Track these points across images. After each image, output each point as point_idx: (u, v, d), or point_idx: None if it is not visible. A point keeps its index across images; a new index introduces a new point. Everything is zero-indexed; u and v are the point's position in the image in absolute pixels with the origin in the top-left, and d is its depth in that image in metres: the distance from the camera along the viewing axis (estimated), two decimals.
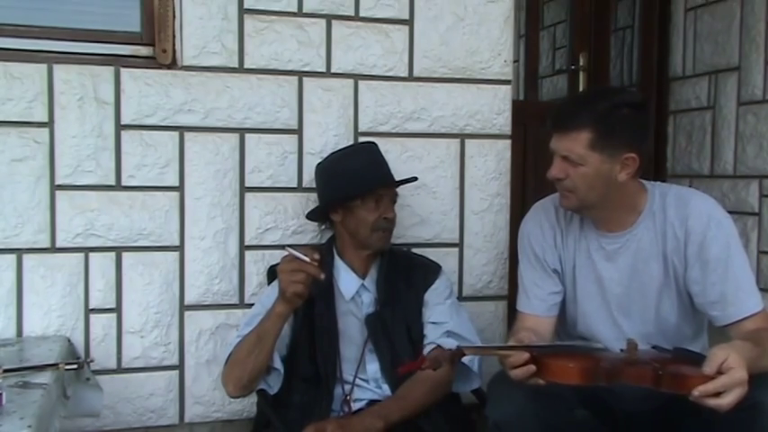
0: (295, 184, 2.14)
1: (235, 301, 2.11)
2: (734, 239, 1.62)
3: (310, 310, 1.80)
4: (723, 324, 1.60)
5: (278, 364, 1.73)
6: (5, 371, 1.54)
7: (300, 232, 2.14)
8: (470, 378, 1.79)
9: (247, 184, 2.11)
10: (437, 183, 2.25)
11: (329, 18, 2.14)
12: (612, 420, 1.67)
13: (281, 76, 2.11)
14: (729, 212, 1.69)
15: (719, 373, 1.26)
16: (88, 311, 2.01)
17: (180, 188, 2.06)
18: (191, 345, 2.09)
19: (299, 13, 2.11)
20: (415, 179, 1.98)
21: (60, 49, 2.00)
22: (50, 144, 1.96)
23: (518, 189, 2.75)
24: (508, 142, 2.32)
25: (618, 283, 1.69)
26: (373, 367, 1.83)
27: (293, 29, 2.11)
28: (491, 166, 2.30)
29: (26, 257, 1.97)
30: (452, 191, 2.27)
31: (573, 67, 3.45)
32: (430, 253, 2.12)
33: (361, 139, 2.15)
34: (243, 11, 2.07)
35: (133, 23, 2.07)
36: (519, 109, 2.46)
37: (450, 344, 1.72)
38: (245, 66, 2.08)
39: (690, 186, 2.58)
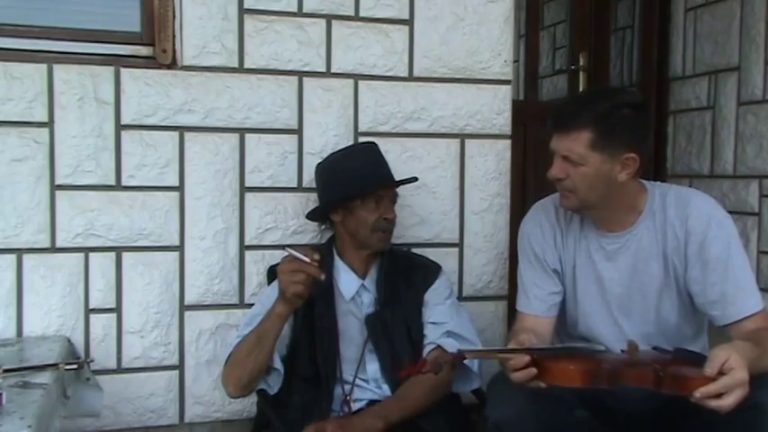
0: (295, 184, 2.14)
1: (235, 301, 2.11)
2: (734, 239, 1.62)
3: (310, 311, 1.80)
4: (723, 324, 1.60)
5: (278, 364, 1.73)
6: (5, 371, 1.54)
7: (300, 232, 2.14)
8: (470, 378, 1.79)
9: (247, 184, 2.11)
10: (437, 183, 2.25)
11: (329, 18, 2.14)
12: (613, 421, 1.67)
13: (281, 76, 2.11)
14: (729, 212, 1.70)
15: (720, 374, 1.26)
16: (88, 311, 2.01)
17: (180, 188, 2.06)
18: (191, 345, 2.09)
19: (299, 13, 2.11)
20: (415, 179, 1.97)
21: (60, 49, 2.00)
22: (50, 144, 1.96)
23: (518, 189, 2.75)
24: (508, 142, 2.32)
25: (618, 283, 1.69)
26: (373, 367, 1.83)
27: (293, 29, 2.11)
28: (491, 166, 2.30)
29: (26, 257, 1.96)
30: (452, 191, 2.27)
31: (573, 67, 3.45)
32: (430, 253, 2.12)
33: (361, 139, 2.15)
34: (243, 11, 2.07)
35: (133, 23, 2.07)
36: (519, 109, 2.46)
37: (450, 344, 1.73)
38: (245, 66, 2.08)
39: (690, 186, 2.58)
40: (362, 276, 1.88)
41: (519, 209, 2.32)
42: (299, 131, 2.14)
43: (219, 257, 2.09)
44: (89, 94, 1.98)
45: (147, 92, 2.02)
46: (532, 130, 3.11)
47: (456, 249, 2.29)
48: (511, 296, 2.22)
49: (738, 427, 1.32)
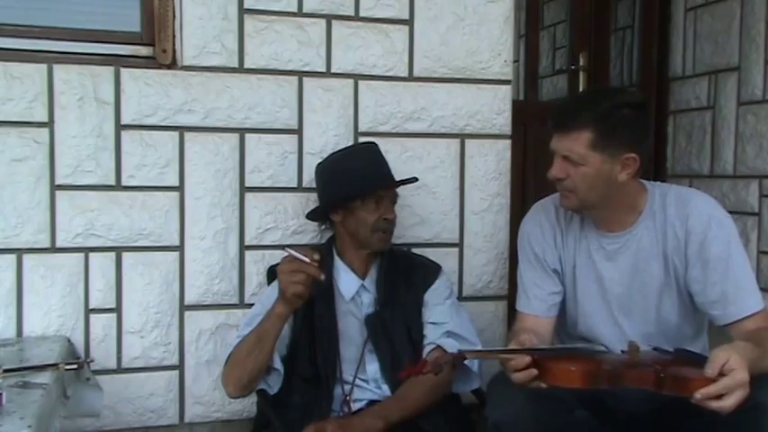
0: (295, 184, 2.14)
1: (235, 301, 2.11)
2: (734, 239, 1.62)
3: (310, 311, 1.80)
4: (724, 323, 1.60)
5: (278, 364, 1.73)
6: (5, 371, 1.54)
7: (300, 232, 2.14)
8: (470, 378, 1.79)
9: (247, 184, 2.11)
10: (437, 183, 2.25)
11: (329, 18, 2.14)
12: (613, 421, 1.67)
13: (281, 76, 2.11)
14: (729, 212, 1.69)
15: (721, 374, 1.26)
16: (88, 311, 2.01)
17: (180, 188, 2.06)
18: (191, 345, 2.09)
19: (299, 13, 2.11)
20: (415, 179, 1.97)
21: (60, 49, 2.00)
22: (50, 144, 1.96)
23: (518, 189, 2.75)
24: (508, 142, 2.32)
25: (618, 282, 1.69)
26: (373, 367, 1.83)
27: (293, 29, 2.11)
28: (491, 166, 2.30)
29: (26, 257, 1.96)
30: (452, 191, 2.27)
31: (573, 67, 3.45)
32: (430, 253, 2.12)
33: (361, 139, 2.15)
34: (243, 11, 2.07)
35: (133, 23, 2.07)
36: (519, 109, 2.46)
37: (450, 344, 1.73)
38: (245, 66, 2.08)
39: (690, 186, 2.58)
40: (362, 276, 1.88)
41: (519, 209, 2.32)
42: (299, 131, 2.14)
43: (219, 257, 2.09)
44: (89, 94, 1.98)
45: (147, 92, 2.02)
46: (532, 130, 3.11)
47: (456, 249, 2.29)
48: (511, 296, 2.22)
49: (739, 427, 1.32)
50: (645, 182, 1.71)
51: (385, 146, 2.04)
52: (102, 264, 2.01)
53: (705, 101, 3.16)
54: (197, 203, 2.07)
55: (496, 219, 2.32)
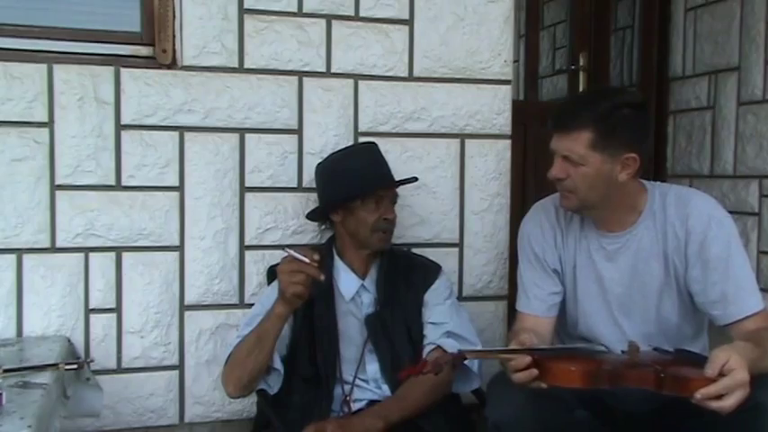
0: (295, 184, 2.14)
1: (235, 301, 2.11)
2: (734, 239, 1.62)
3: (310, 311, 1.80)
4: (724, 323, 1.60)
5: (278, 364, 1.73)
6: (5, 371, 1.54)
7: (300, 232, 2.14)
8: (470, 378, 1.79)
9: (247, 184, 2.11)
10: (437, 183, 2.25)
11: (329, 18, 2.14)
12: (613, 421, 1.67)
13: (281, 76, 2.11)
14: (729, 212, 1.69)
15: (721, 375, 1.26)
16: (88, 311, 2.01)
17: (180, 188, 2.06)
18: (191, 345, 2.09)
19: (299, 13, 2.11)
20: (415, 179, 1.97)
21: (60, 49, 2.00)
22: (50, 144, 1.96)
23: (518, 189, 2.75)
24: (508, 142, 2.32)
25: (618, 282, 1.69)
26: (373, 368, 1.83)
27: (293, 29, 2.11)
28: (491, 166, 2.30)
29: (26, 257, 1.96)
30: (452, 191, 2.27)
31: (573, 67, 3.45)
32: (430, 253, 2.12)
33: (361, 139, 2.15)
34: (243, 11, 2.07)
35: (133, 23, 2.07)
36: (519, 109, 2.46)
37: (450, 344, 1.73)
38: (245, 66, 2.08)
39: (690, 186, 2.58)
40: (362, 276, 1.88)
41: (519, 209, 2.32)
42: (299, 131, 2.14)
43: (219, 257, 2.09)
44: (89, 94, 1.98)
45: (147, 92, 2.02)
46: (532, 130, 3.11)
47: (456, 249, 2.29)
48: (511, 296, 2.22)
49: (739, 427, 1.32)
50: (645, 182, 1.71)
51: (385, 146, 2.04)
52: (102, 264, 2.01)
53: (705, 101, 3.16)
54: (197, 203, 2.07)
55: (496, 219, 2.32)
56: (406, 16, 2.20)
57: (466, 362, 1.67)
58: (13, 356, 1.74)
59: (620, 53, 3.68)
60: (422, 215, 2.24)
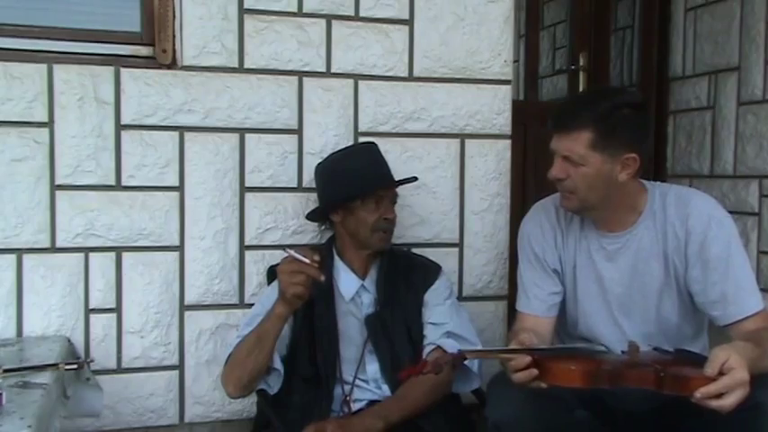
0: (295, 184, 2.14)
1: (235, 301, 2.11)
2: (734, 239, 1.62)
3: (310, 311, 1.80)
4: (724, 324, 1.60)
5: (278, 364, 1.73)
6: (5, 371, 1.54)
7: (300, 232, 2.14)
8: (470, 378, 1.79)
9: (247, 184, 2.11)
10: (437, 183, 2.25)
11: (329, 18, 2.14)
12: (613, 421, 1.67)
13: (281, 76, 2.11)
14: (729, 212, 1.69)
15: (721, 374, 1.26)
16: (88, 311, 2.01)
17: (180, 188, 2.06)
18: (191, 345, 2.09)
19: (299, 13, 2.11)
20: (415, 179, 1.97)
21: (60, 49, 2.00)
22: (50, 144, 1.96)
23: (518, 189, 2.75)
24: (508, 142, 2.32)
25: (619, 283, 1.69)
26: (373, 368, 1.83)
27: (293, 29, 2.11)
28: (491, 166, 2.30)
29: (26, 257, 1.96)
30: (452, 191, 2.27)
31: (573, 67, 3.45)
32: (430, 253, 2.12)
33: (361, 139, 2.15)
34: (243, 11, 2.07)
35: (133, 23, 2.07)
36: (519, 109, 2.46)
37: (450, 344, 1.73)
38: (245, 66, 2.08)
39: (690, 186, 2.58)
40: (362, 277, 1.88)
41: (519, 209, 2.31)
42: (299, 131, 2.14)
43: (219, 257, 2.09)
44: (89, 94, 1.98)
45: (147, 92, 2.02)
46: (532, 130, 3.11)
47: (456, 249, 2.29)
48: (511, 296, 2.22)
49: (738, 427, 1.32)
50: (645, 182, 1.71)
51: (385, 146, 2.04)
52: (102, 264, 2.01)
53: (705, 101, 3.16)
54: (197, 203, 2.07)
55: (496, 219, 2.32)
56: (406, 16, 2.20)
57: (466, 362, 1.67)
58: (13, 356, 1.74)
59: (620, 53, 3.68)
60: (422, 215, 2.24)
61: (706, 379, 1.26)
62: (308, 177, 2.11)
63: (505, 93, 2.30)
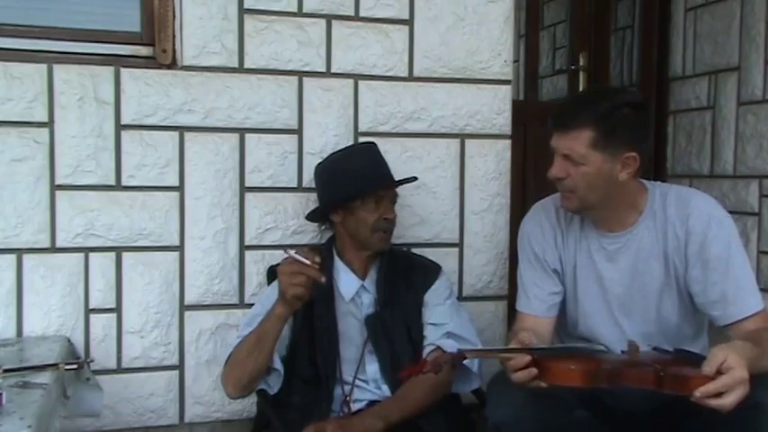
0: (295, 184, 2.14)
1: (235, 301, 2.11)
2: (735, 239, 1.62)
3: (310, 311, 1.80)
4: (724, 324, 1.60)
5: (278, 364, 1.73)
6: (5, 371, 1.54)
7: (300, 232, 2.14)
8: (470, 378, 1.79)
9: (247, 184, 2.11)
10: (437, 183, 2.25)
11: (329, 18, 2.14)
12: (612, 421, 1.67)
13: (281, 76, 2.11)
14: (729, 212, 1.69)
15: (719, 373, 1.26)
16: (88, 311, 2.01)
17: (180, 188, 2.06)
18: (191, 345, 2.09)
19: (299, 13, 2.11)
20: (414, 179, 1.97)
21: (60, 49, 2.00)
22: (50, 144, 1.96)
23: (518, 189, 2.75)
24: (508, 142, 2.32)
25: (619, 283, 1.69)
26: (373, 368, 1.83)
27: (293, 29, 2.11)
28: (491, 166, 2.30)
29: (26, 257, 1.96)
30: (452, 191, 2.27)
31: (573, 67, 3.45)
32: (430, 253, 2.12)
33: (361, 139, 2.15)
34: (243, 11, 2.07)
35: (133, 23, 2.07)
36: (519, 109, 2.46)
37: (450, 345, 1.73)
38: (245, 66, 2.08)
39: (690, 186, 2.58)
40: (362, 277, 1.88)
41: (519, 209, 2.31)
42: (299, 131, 2.14)
43: (219, 257, 2.09)
44: (89, 94, 1.98)
45: (147, 92, 2.02)
46: (532, 130, 3.11)
47: (456, 249, 2.29)
48: (511, 296, 2.22)
49: (738, 426, 1.32)
50: (645, 182, 1.71)
51: (385, 146, 2.04)
52: (102, 264, 2.01)
53: (705, 101, 3.16)
54: (197, 203, 2.07)
55: (496, 219, 2.32)
56: (406, 16, 2.20)
57: (466, 362, 1.67)
58: (13, 356, 1.74)
59: (620, 53, 3.68)
60: (422, 215, 2.24)
61: (705, 378, 1.26)
62: (308, 177, 2.11)
63: (505, 93, 2.30)
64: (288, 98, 2.12)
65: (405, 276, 1.89)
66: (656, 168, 3.36)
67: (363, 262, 1.88)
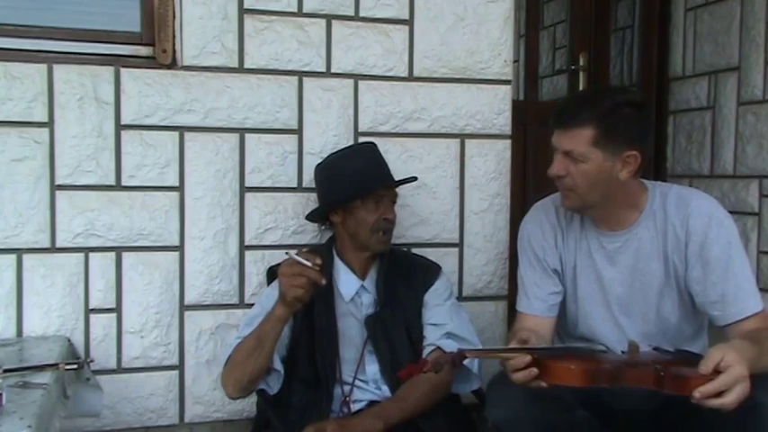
0: (295, 184, 2.14)
1: (235, 301, 2.11)
2: (735, 239, 1.62)
3: (310, 311, 1.80)
4: (723, 324, 1.60)
5: (278, 365, 1.73)
6: (5, 371, 1.54)
7: (300, 232, 2.14)
8: (470, 379, 1.79)
9: (247, 184, 2.11)
10: (437, 183, 2.25)
11: (329, 18, 2.14)
12: (612, 421, 1.67)
13: (281, 76, 2.11)
14: (729, 212, 1.69)
15: (718, 372, 1.26)
16: (88, 311, 2.01)
17: (180, 188, 2.06)
18: (191, 345, 2.09)
19: (299, 13, 2.11)
20: (414, 179, 1.97)
21: (60, 49, 2.00)
22: (50, 144, 1.96)
23: (518, 189, 2.75)
24: (508, 142, 2.32)
25: (619, 282, 1.69)
26: (373, 368, 1.83)
27: (293, 29, 2.11)
28: (491, 166, 2.30)
29: (26, 257, 1.96)
30: (452, 191, 2.27)
31: (573, 67, 3.45)
32: (430, 253, 2.12)
33: (361, 139, 2.15)
34: (243, 11, 2.07)
35: (133, 23, 2.07)
36: (519, 109, 2.46)
37: (450, 345, 1.73)
38: (245, 66, 2.08)
39: (690, 186, 2.58)
40: (362, 277, 1.88)
41: (519, 209, 2.31)
42: (299, 131, 2.14)
43: (219, 257, 2.09)
44: (89, 94, 1.98)
45: (147, 92, 2.02)
46: (532, 130, 3.11)
47: (456, 249, 2.29)
48: (511, 296, 2.22)
49: (738, 426, 1.32)
50: (646, 181, 1.71)
51: (385, 146, 2.04)
52: (102, 264, 2.01)
53: (705, 101, 3.16)
54: (197, 203, 2.07)
55: (496, 219, 2.32)
56: (406, 16, 2.20)
57: (466, 362, 1.66)
58: (13, 356, 1.74)
59: (620, 53, 3.68)
60: (422, 215, 2.24)
61: (706, 378, 1.26)
62: (308, 177, 2.11)
63: (505, 93, 2.30)
64: (288, 98, 2.12)
65: (405, 277, 1.89)
66: (656, 168, 3.36)
67: (363, 262, 1.88)
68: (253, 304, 1.94)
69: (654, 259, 1.66)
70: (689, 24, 3.26)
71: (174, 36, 2.05)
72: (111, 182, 2.01)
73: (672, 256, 1.64)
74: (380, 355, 1.82)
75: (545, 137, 1.69)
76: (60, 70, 1.96)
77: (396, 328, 1.83)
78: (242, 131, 2.10)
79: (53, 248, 1.98)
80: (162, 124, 2.03)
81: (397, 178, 1.91)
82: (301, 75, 2.13)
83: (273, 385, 1.75)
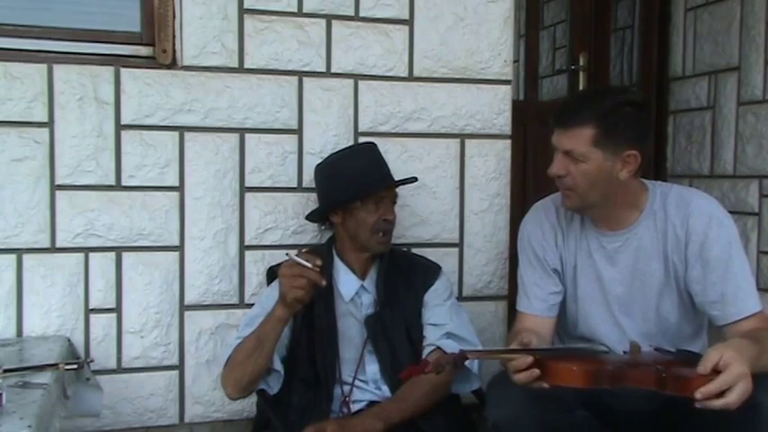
0: (295, 184, 2.14)
1: (235, 301, 2.11)
2: (735, 240, 1.62)
3: (310, 312, 1.80)
4: (722, 324, 1.60)
5: (278, 365, 1.73)
6: (5, 371, 1.54)
7: (300, 232, 2.14)
8: (470, 379, 1.79)
9: (247, 184, 2.11)
10: (437, 183, 2.25)
11: (329, 18, 2.14)
12: (613, 421, 1.67)
13: (281, 76, 2.11)
14: (729, 212, 1.69)
15: (718, 372, 1.26)
16: (88, 311, 2.01)
17: (180, 188, 2.06)
18: (191, 345, 2.09)
19: (299, 13, 2.11)
20: (414, 179, 1.97)
21: (60, 49, 2.00)
22: (50, 144, 1.96)
23: (518, 189, 2.75)
24: (508, 142, 2.32)
25: (619, 282, 1.69)
26: (372, 368, 1.83)
27: (293, 29, 2.11)
28: (491, 166, 2.30)
29: (26, 257, 1.96)
30: (452, 191, 2.27)
31: (573, 67, 3.45)
32: (430, 253, 2.12)
33: (361, 139, 2.15)
34: (243, 11, 2.07)
35: (133, 23, 2.07)
36: (519, 109, 2.46)
37: (450, 345, 1.73)
38: (245, 66, 2.08)
39: (690, 186, 2.58)
40: (362, 277, 1.88)
41: (519, 209, 2.31)
42: (299, 131, 2.14)
43: (219, 257, 2.09)
44: (89, 94, 1.98)
45: (147, 92, 2.02)
46: (532, 130, 3.11)
47: (456, 249, 2.29)
48: (511, 296, 2.22)
49: (739, 426, 1.32)
50: (646, 181, 1.71)
51: (385, 146, 2.04)
52: (102, 264, 2.01)
53: (705, 101, 3.16)
54: (197, 203, 2.07)
55: (496, 219, 2.32)
56: (406, 16, 2.20)
57: (466, 362, 1.67)
58: (13, 356, 1.74)
59: (620, 53, 3.68)
60: (422, 215, 2.24)
61: (707, 379, 1.26)
62: (308, 177, 2.11)
63: (505, 93, 2.30)
64: (288, 98, 2.12)
65: (404, 277, 1.89)
66: (656, 168, 3.36)
67: (363, 262, 1.88)
68: (253, 304, 1.94)
69: (654, 259, 1.66)
70: (689, 24, 3.26)
71: (174, 36, 2.05)
72: (111, 182, 2.01)
73: (672, 255, 1.64)
74: (380, 355, 1.82)
75: (545, 137, 1.69)
76: (60, 70, 1.96)
77: (396, 329, 1.83)
78: (242, 131, 2.10)
79: (53, 248, 1.98)
80: (162, 124, 2.03)
81: (397, 178, 1.91)
82: (301, 75, 2.13)
83: (273, 385, 1.75)
